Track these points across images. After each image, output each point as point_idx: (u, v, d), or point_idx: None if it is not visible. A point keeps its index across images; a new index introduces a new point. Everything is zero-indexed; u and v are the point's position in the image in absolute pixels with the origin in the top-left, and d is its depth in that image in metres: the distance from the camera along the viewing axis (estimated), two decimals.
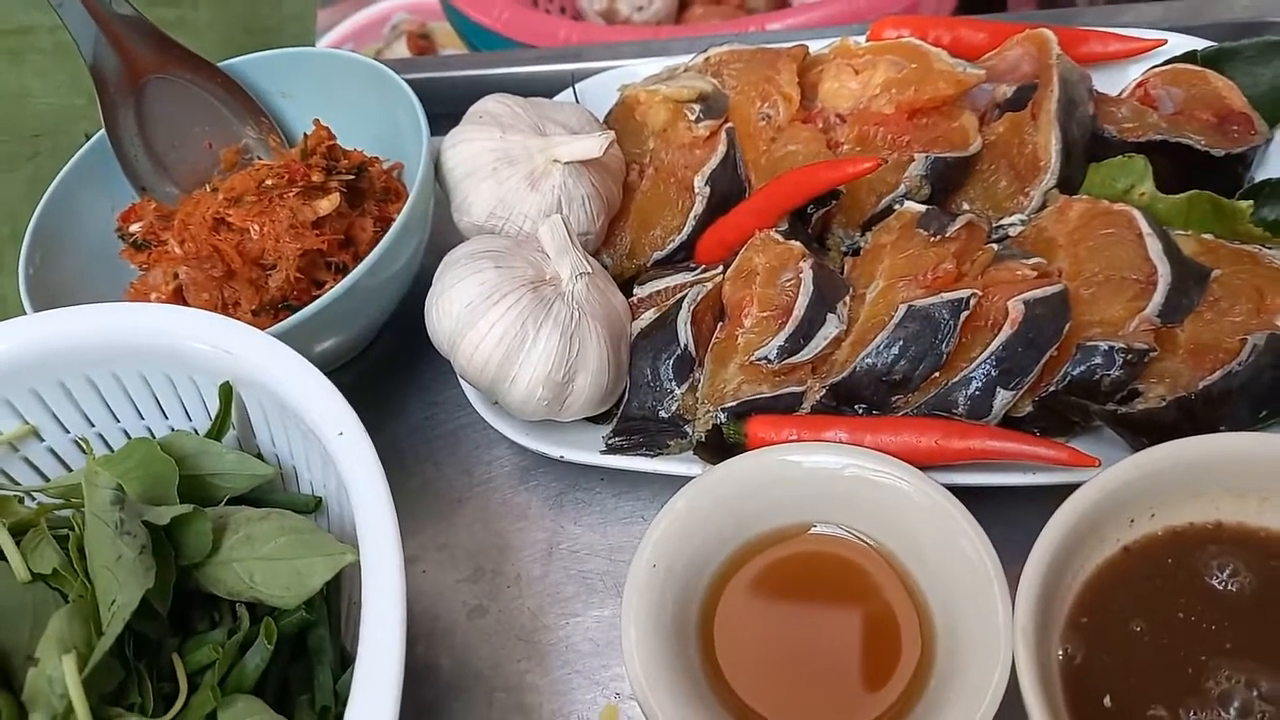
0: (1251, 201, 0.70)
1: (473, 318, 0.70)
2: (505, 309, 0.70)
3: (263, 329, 0.77)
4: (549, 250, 0.73)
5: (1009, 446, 0.65)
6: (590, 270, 0.74)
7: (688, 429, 0.73)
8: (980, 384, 0.66)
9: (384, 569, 0.54)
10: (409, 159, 0.87)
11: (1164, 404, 0.64)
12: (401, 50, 1.83)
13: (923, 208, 0.76)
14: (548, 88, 0.92)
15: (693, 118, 0.83)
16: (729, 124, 0.84)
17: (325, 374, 0.62)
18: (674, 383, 0.74)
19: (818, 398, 0.71)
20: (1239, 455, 0.60)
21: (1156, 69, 0.82)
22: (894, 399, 0.70)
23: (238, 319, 0.80)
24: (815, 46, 0.88)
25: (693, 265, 0.83)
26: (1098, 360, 0.66)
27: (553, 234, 0.73)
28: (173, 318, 0.67)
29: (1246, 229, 0.71)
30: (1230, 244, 0.71)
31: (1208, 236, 0.72)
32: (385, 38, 1.88)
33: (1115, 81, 0.85)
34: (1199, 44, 0.83)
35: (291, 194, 0.80)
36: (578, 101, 0.92)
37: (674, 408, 0.73)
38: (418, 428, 0.85)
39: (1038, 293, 0.67)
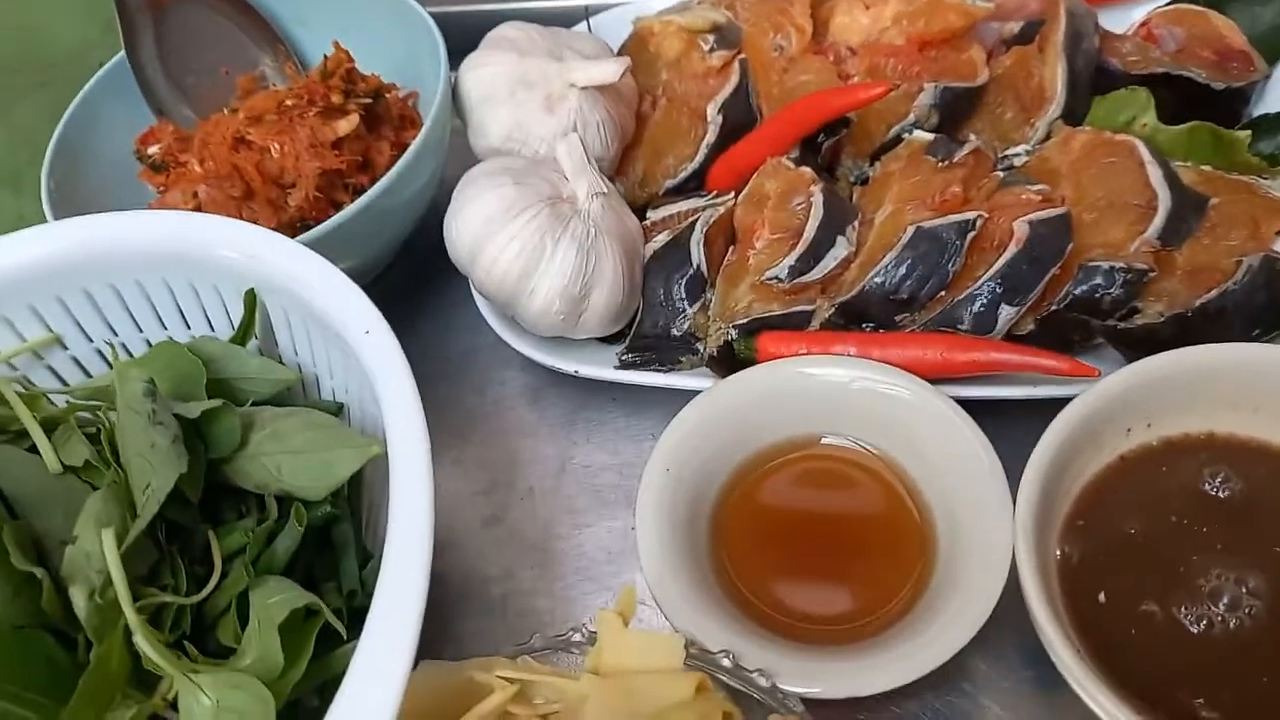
0: (1250, 133, 0.72)
1: (492, 231, 0.72)
2: (524, 223, 0.71)
3: None
4: (566, 169, 0.75)
5: (1012, 358, 0.67)
6: (606, 191, 0.75)
7: (699, 346, 0.75)
8: (985, 300, 0.69)
9: (413, 458, 0.56)
10: (425, 88, 0.89)
11: (1161, 320, 0.67)
12: None
13: (931, 136, 0.77)
14: (563, 23, 0.93)
15: (706, 48, 0.85)
16: (742, 55, 0.85)
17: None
18: (686, 302, 0.76)
19: (827, 315, 0.73)
20: (1233, 365, 0.62)
21: (1160, 9, 0.84)
22: (901, 317, 0.72)
23: None
24: None
25: (704, 193, 0.84)
26: (1099, 279, 0.68)
27: (570, 153, 0.75)
28: (198, 223, 0.68)
29: (1244, 159, 0.73)
30: (1228, 175, 0.73)
31: (1206, 168, 0.74)
32: None
33: (1119, 22, 0.86)
34: None
35: (312, 114, 0.81)
36: (589, 29, 0.94)
37: (686, 326, 0.75)
38: (431, 349, 0.87)
39: (1042, 214, 0.69)
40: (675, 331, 0.75)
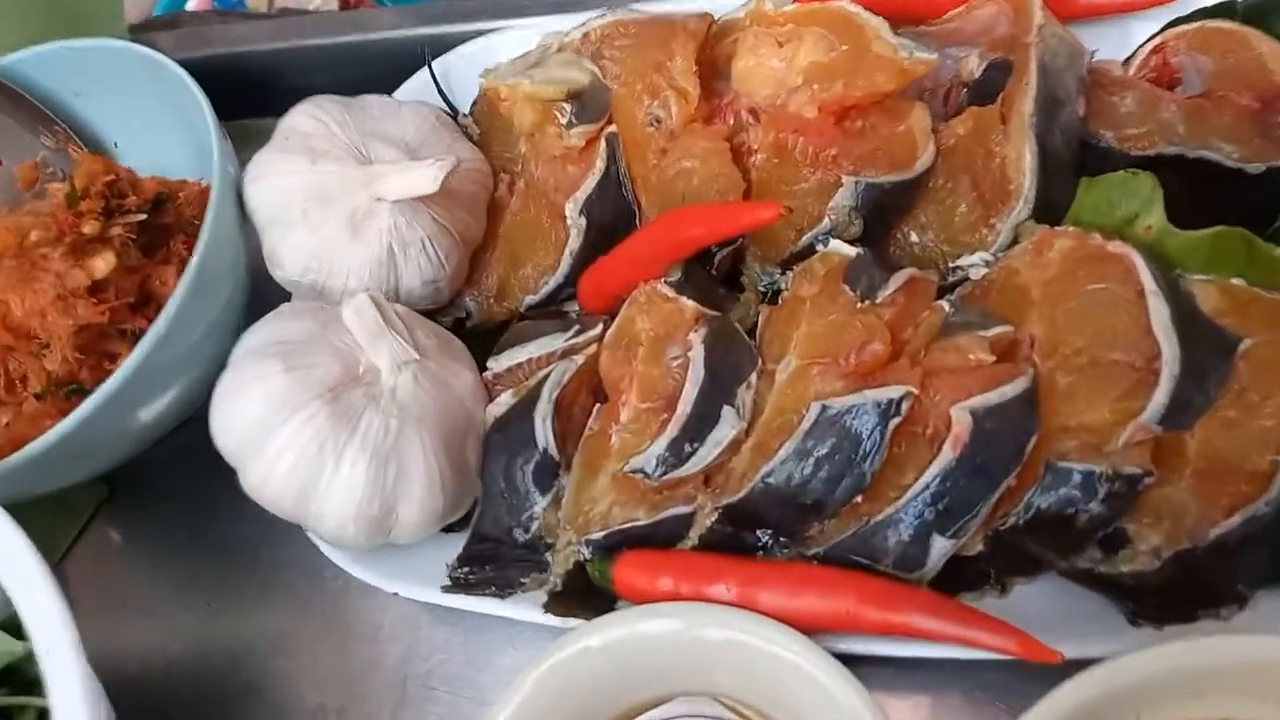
0: None
1: (257, 441, 0.54)
2: (296, 430, 0.54)
3: (43, 423, 0.63)
4: (359, 339, 0.56)
5: (943, 628, 0.48)
6: (417, 356, 0.57)
7: (549, 558, 0.58)
8: (911, 528, 0.50)
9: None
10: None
11: (1158, 565, 0.47)
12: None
13: (852, 251, 0.57)
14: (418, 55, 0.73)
15: (563, 121, 0.64)
16: (611, 127, 0.64)
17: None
18: (535, 493, 0.58)
19: (710, 522, 0.55)
20: (1253, 661, 0.43)
21: (1180, 27, 0.61)
22: (808, 526, 0.53)
23: (22, 401, 0.67)
24: (730, 6, 0.67)
25: (575, 313, 0.66)
26: (1073, 489, 0.49)
27: (360, 319, 0.56)
28: None
29: None
30: (1269, 294, 0.52)
31: (1238, 282, 0.53)
32: None
33: (1125, 40, 0.63)
34: None
35: (57, 255, 0.63)
36: (435, 83, 0.73)
37: (535, 528, 0.58)
38: (259, 514, 0.71)
39: (990, 398, 0.50)
40: (520, 535, 0.58)
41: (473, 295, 0.67)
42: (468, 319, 0.68)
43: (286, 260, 0.63)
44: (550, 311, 0.67)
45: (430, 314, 0.67)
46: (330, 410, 0.54)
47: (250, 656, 0.66)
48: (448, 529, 0.61)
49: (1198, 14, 0.61)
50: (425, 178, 0.60)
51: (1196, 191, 0.55)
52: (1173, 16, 0.62)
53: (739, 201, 0.59)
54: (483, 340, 0.66)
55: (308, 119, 0.64)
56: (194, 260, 0.61)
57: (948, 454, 0.49)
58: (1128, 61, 0.63)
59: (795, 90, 0.60)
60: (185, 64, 0.68)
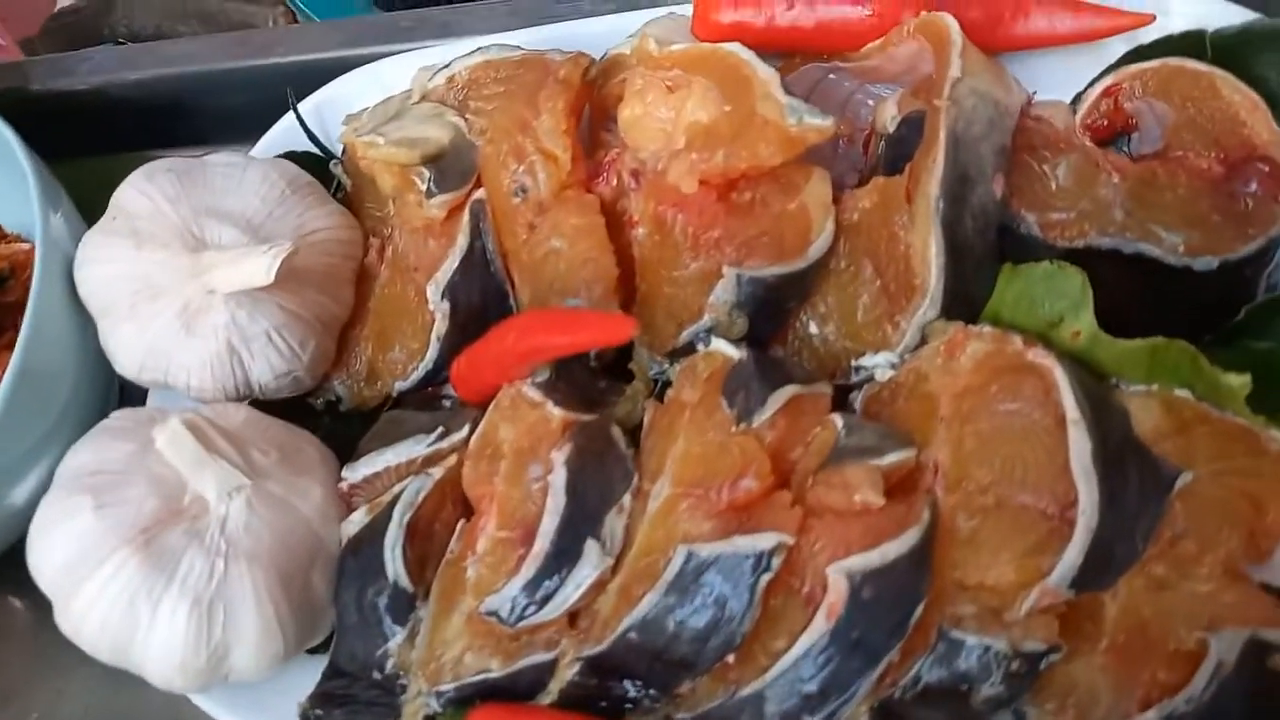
0: (1248, 378, 0.42)
1: (67, 588, 0.49)
2: (103, 583, 0.48)
3: None
4: (179, 469, 0.50)
5: None
6: (248, 481, 0.51)
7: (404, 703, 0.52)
8: (780, 709, 0.43)
9: None
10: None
11: None
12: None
13: (735, 354, 0.49)
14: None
15: (422, 187, 0.56)
16: (479, 193, 0.56)
17: None
18: (390, 627, 0.52)
19: (572, 674, 0.48)
20: None
21: (1137, 65, 0.51)
22: (679, 683, 0.47)
23: None
24: (624, 34, 0.58)
25: (452, 401, 0.59)
26: (968, 663, 0.42)
27: (176, 448, 0.50)
28: None
29: (1241, 412, 0.43)
30: (1218, 413, 0.44)
31: (1183, 394, 0.45)
32: None
33: (1076, 75, 0.53)
34: (1214, 13, 0.51)
35: None
36: (304, 128, 0.65)
37: (389, 666, 0.52)
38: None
39: (872, 559, 0.42)
40: (377, 672, 0.52)
41: (341, 379, 0.61)
42: (339, 403, 0.61)
43: (120, 357, 0.57)
44: (427, 396, 0.60)
45: (301, 399, 0.61)
46: (142, 557, 0.48)
47: None
48: (313, 650, 0.56)
49: (1160, 46, 0.51)
50: (258, 269, 0.52)
51: (1139, 286, 0.46)
52: (1132, 47, 0.52)
53: (585, 314, 0.51)
54: (365, 420, 0.59)
55: (136, 194, 0.57)
56: (14, 356, 0.55)
57: (820, 624, 0.42)
58: (1077, 101, 0.53)
59: (676, 156, 0.52)
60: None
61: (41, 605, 0.51)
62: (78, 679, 0.65)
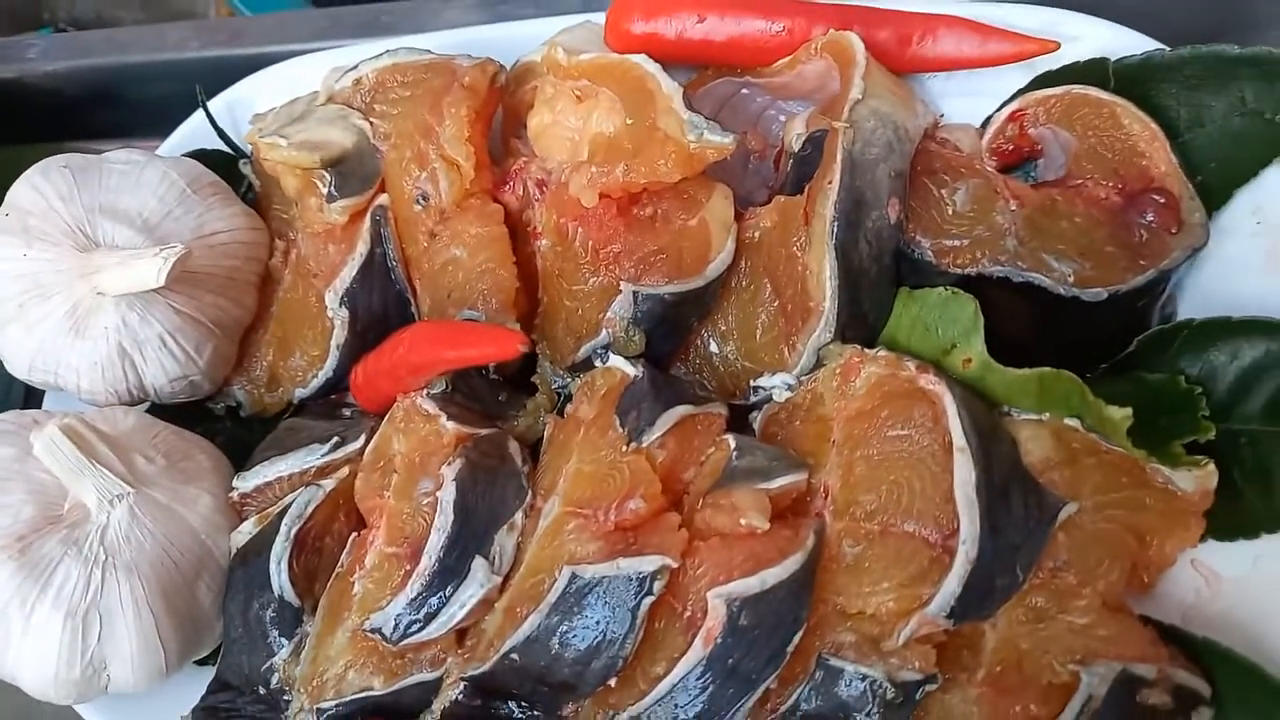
0: (1129, 413, 0.41)
1: None
2: None
3: None
4: (58, 475, 0.49)
5: None
6: (130, 490, 0.49)
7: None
8: None
9: None
10: None
11: None
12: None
13: (631, 371, 0.49)
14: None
15: (323, 191, 0.55)
16: (382, 198, 0.55)
17: None
18: (276, 640, 0.51)
19: (456, 695, 0.48)
20: None
21: (1043, 91, 0.51)
22: (561, 705, 0.46)
23: None
24: (542, 39, 0.57)
25: (353, 410, 0.58)
26: (846, 692, 0.42)
27: (54, 455, 0.48)
28: None
29: (1123, 444, 0.43)
30: (1108, 444, 0.44)
31: (1073, 424, 0.44)
32: None
33: (984, 100, 0.53)
34: (1118, 42, 0.50)
35: None
36: (214, 125, 0.64)
37: (274, 681, 0.51)
38: None
39: (751, 585, 0.42)
40: (262, 687, 0.51)
41: (243, 384, 0.59)
42: (240, 408, 0.60)
43: (8, 357, 0.55)
44: (328, 404, 0.59)
45: (202, 403, 0.60)
46: (16, 565, 0.47)
47: None
48: (202, 661, 0.55)
49: (1065, 73, 0.51)
50: (148, 271, 0.51)
51: (1033, 314, 0.46)
52: (1039, 73, 0.52)
53: (476, 327, 0.50)
54: (267, 426, 0.58)
55: (29, 190, 0.55)
56: None
57: (698, 650, 0.42)
58: (985, 125, 0.53)
59: (578, 168, 0.51)
60: None
61: None
62: None
